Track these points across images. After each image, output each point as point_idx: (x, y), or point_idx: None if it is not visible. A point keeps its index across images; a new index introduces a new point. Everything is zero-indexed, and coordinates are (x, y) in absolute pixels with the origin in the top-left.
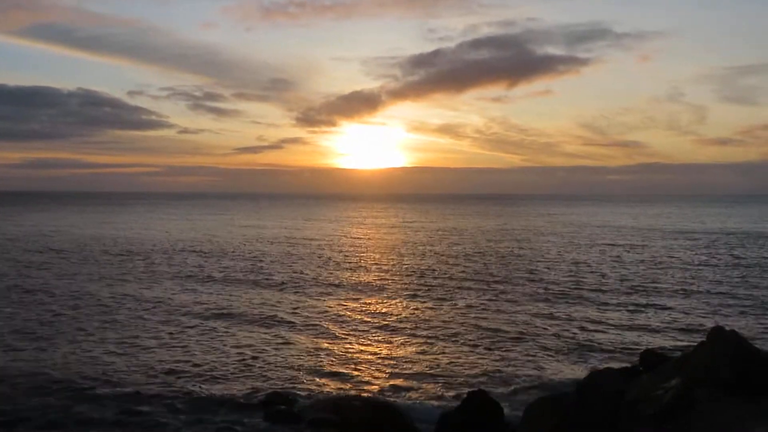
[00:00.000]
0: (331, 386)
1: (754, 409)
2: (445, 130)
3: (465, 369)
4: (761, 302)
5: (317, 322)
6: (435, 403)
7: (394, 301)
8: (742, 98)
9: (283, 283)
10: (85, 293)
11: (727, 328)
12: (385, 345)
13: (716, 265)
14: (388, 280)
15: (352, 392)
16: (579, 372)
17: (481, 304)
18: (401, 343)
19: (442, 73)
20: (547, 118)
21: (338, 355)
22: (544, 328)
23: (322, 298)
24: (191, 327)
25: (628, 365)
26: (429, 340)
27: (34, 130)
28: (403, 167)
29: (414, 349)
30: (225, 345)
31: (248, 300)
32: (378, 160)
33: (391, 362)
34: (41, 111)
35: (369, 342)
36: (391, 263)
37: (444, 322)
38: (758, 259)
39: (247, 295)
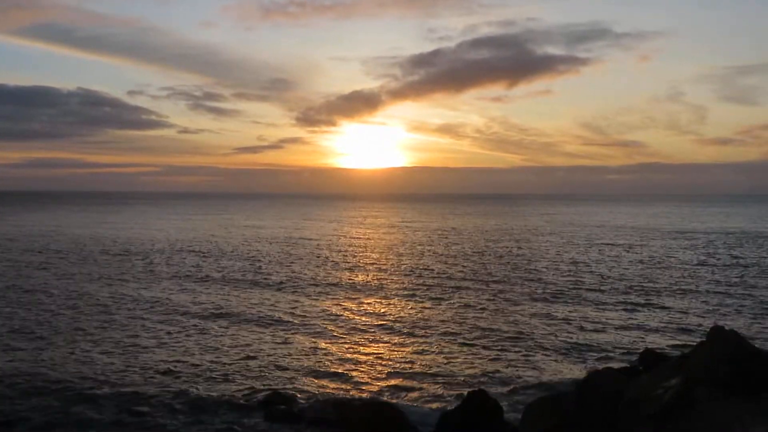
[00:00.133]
0: (331, 386)
1: (754, 409)
2: (445, 129)
3: (465, 369)
4: (760, 302)
5: (317, 322)
6: (435, 403)
7: (393, 301)
8: (742, 98)
9: (282, 283)
10: (84, 293)
11: (727, 328)
12: (384, 345)
13: (715, 265)
14: (387, 280)
15: (352, 392)
16: (578, 372)
17: (481, 304)
18: (401, 343)
19: (442, 73)
20: (547, 118)
21: (338, 355)
22: (544, 328)
23: (322, 298)
24: (190, 327)
25: (628, 365)
26: (428, 340)
27: (34, 130)
28: (403, 167)
29: (413, 349)
30: (224, 345)
31: (247, 300)
32: (378, 160)
33: (391, 362)
34: (41, 111)
35: (369, 342)
36: (391, 263)
37: (443, 322)
38: (758, 258)
39: (247, 295)
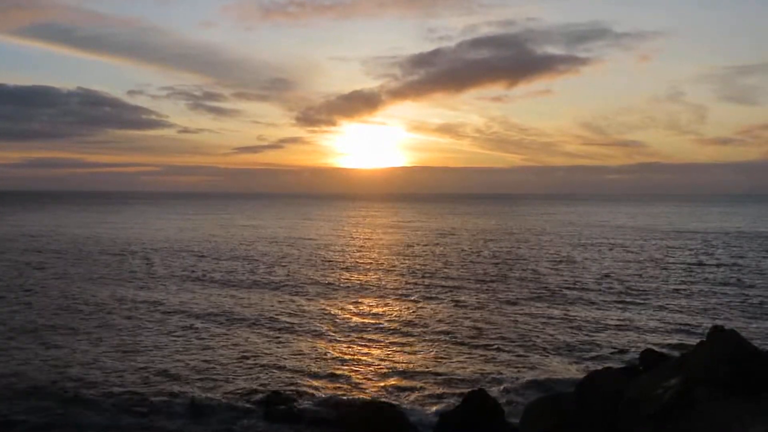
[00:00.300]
0: (330, 386)
1: (754, 409)
2: (445, 129)
3: (465, 369)
4: (760, 302)
5: (317, 323)
6: (435, 403)
7: (393, 301)
8: (742, 98)
9: (282, 283)
10: (84, 293)
11: (727, 328)
12: (384, 345)
13: (715, 265)
14: (387, 280)
15: (352, 392)
16: (578, 372)
17: (481, 304)
18: (400, 343)
19: (442, 73)
20: (547, 118)
21: (338, 355)
22: (543, 328)
23: (322, 298)
24: (190, 327)
25: (628, 365)
26: (428, 340)
27: (34, 129)
28: (403, 167)
29: (413, 349)
30: (224, 345)
31: (247, 300)
32: (378, 160)
33: (391, 362)
34: (41, 111)
35: (368, 342)
36: (391, 263)
37: (443, 322)
38: (757, 258)
39: (247, 295)
